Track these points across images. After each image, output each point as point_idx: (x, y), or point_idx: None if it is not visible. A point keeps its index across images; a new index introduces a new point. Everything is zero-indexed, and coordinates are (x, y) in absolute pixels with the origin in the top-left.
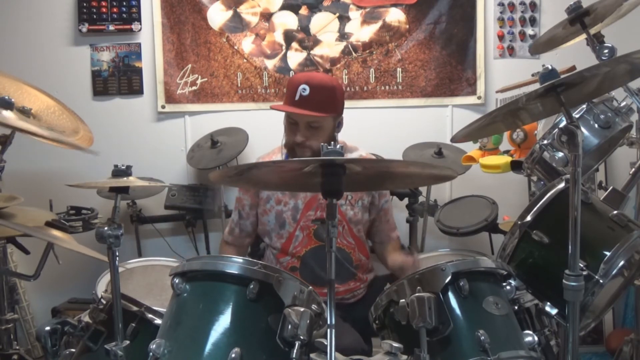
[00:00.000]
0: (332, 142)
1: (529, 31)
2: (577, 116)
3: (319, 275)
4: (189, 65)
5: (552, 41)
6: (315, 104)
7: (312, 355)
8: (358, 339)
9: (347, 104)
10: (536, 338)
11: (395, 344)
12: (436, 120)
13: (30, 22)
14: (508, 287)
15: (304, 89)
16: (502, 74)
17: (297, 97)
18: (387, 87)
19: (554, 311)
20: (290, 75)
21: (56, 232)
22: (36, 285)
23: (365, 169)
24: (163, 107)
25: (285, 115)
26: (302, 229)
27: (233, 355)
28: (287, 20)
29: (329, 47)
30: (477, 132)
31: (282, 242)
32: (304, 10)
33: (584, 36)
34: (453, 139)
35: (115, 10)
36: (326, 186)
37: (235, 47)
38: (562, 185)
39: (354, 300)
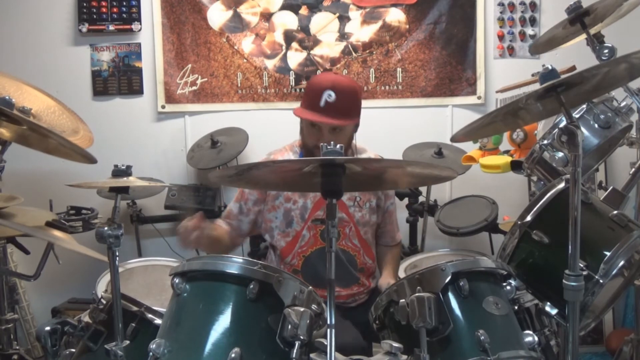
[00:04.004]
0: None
1: (529, 31)
2: (577, 116)
3: (322, 277)
4: (189, 65)
5: (552, 41)
6: (341, 110)
7: (312, 355)
8: (357, 337)
9: None
10: (536, 338)
11: (395, 344)
12: (436, 120)
13: (30, 22)
14: (508, 287)
15: (330, 95)
16: (502, 74)
17: (322, 103)
18: (387, 87)
19: (554, 311)
20: (290, 75)
21: (56, 232)
22: (36, 285)
23: (365, 169)
24: (163, 107)
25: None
26: (309, 229)
27: (233, 355)
28: (287, 20)
29: (329, 47)
30: (477, 132)
31: (288, 240)
32: (304, 10)
33: (584, 36)
34: (453, 139)
35: (115, 10)
36: (326, 186)
37: (235, 47)
38: (562, 185)
39: (355, 305)
